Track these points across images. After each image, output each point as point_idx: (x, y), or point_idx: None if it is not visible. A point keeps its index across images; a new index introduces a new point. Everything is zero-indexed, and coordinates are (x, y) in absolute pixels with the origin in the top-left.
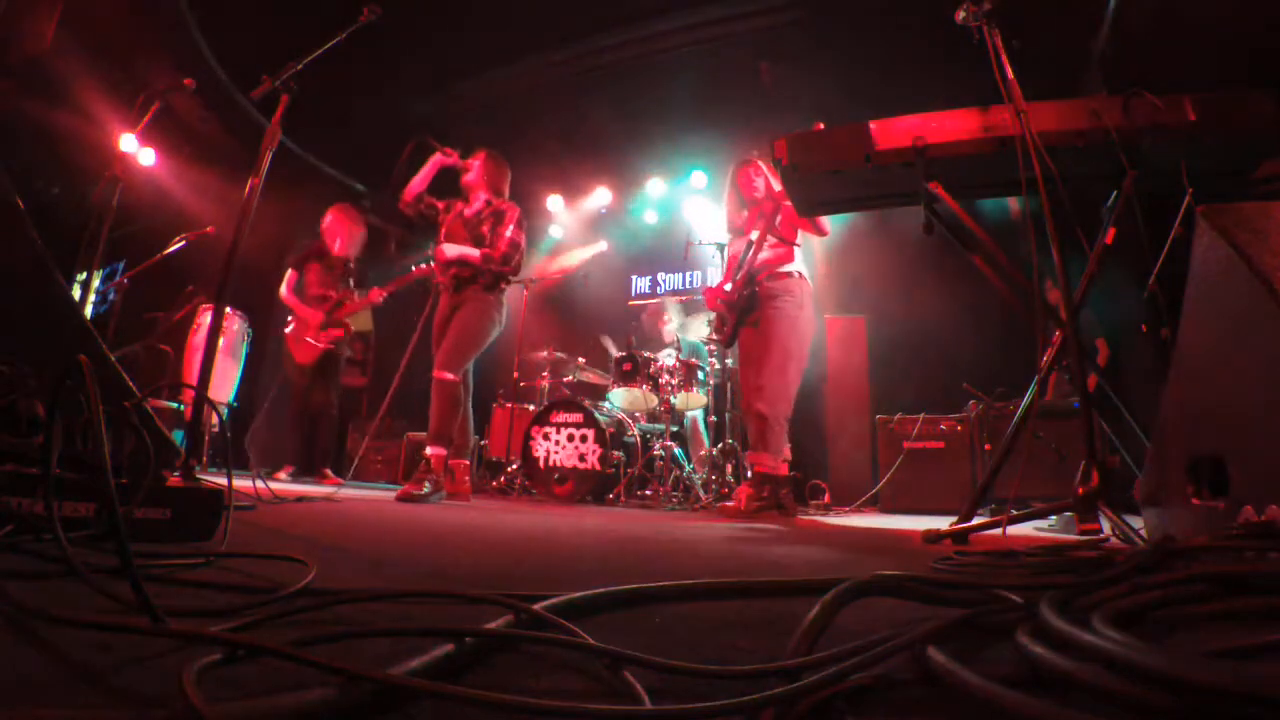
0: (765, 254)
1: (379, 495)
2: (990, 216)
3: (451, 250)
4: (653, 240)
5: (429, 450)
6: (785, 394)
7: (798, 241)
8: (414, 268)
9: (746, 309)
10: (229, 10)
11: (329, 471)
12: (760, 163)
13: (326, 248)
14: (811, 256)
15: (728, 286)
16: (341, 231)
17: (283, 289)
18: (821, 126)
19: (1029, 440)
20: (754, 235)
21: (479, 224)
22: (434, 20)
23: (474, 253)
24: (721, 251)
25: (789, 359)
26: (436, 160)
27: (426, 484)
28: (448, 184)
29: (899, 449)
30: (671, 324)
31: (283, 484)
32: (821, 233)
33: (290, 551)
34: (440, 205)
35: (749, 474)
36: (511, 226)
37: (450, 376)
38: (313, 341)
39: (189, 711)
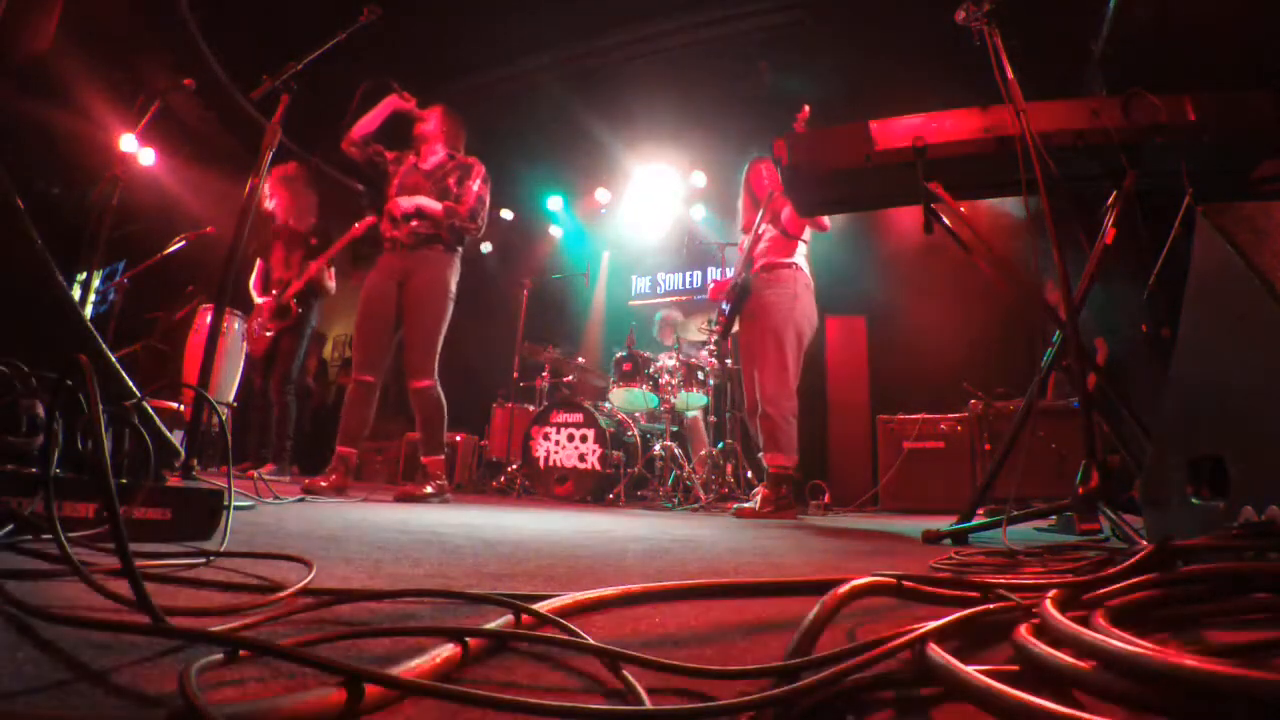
0: (765, 245)
1: (378, 495)
2: (990, 215)
3: (409, 201)
4: (653, 240)
5: (426, 459)
6: (787, 391)
7: (804, 238)
8: (354, 225)
9: (741, 300)
10: (229, 10)
11: (273, 467)
12: (770, 160)
13: (279, 224)
14: (812, 256)
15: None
16: (281, 197)
17: (250, 281)
18: (808, 111)
19: (1029, 440)
20: (763, 229)
21: (443, 176)
22: (434, 19)
23: (436, 205)
24: (723, 251)
25: (786, 354)
26: (391, 102)
27: (429, 487)
28: (395, 138)
29: (899, 449)
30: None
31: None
32: (821, 228)
33: (290, 551)
34: (389, 155)
35: (765, 475)
36: (478, 181)
37: (429, 382)
38: (260, 333)
39: (189, 711)
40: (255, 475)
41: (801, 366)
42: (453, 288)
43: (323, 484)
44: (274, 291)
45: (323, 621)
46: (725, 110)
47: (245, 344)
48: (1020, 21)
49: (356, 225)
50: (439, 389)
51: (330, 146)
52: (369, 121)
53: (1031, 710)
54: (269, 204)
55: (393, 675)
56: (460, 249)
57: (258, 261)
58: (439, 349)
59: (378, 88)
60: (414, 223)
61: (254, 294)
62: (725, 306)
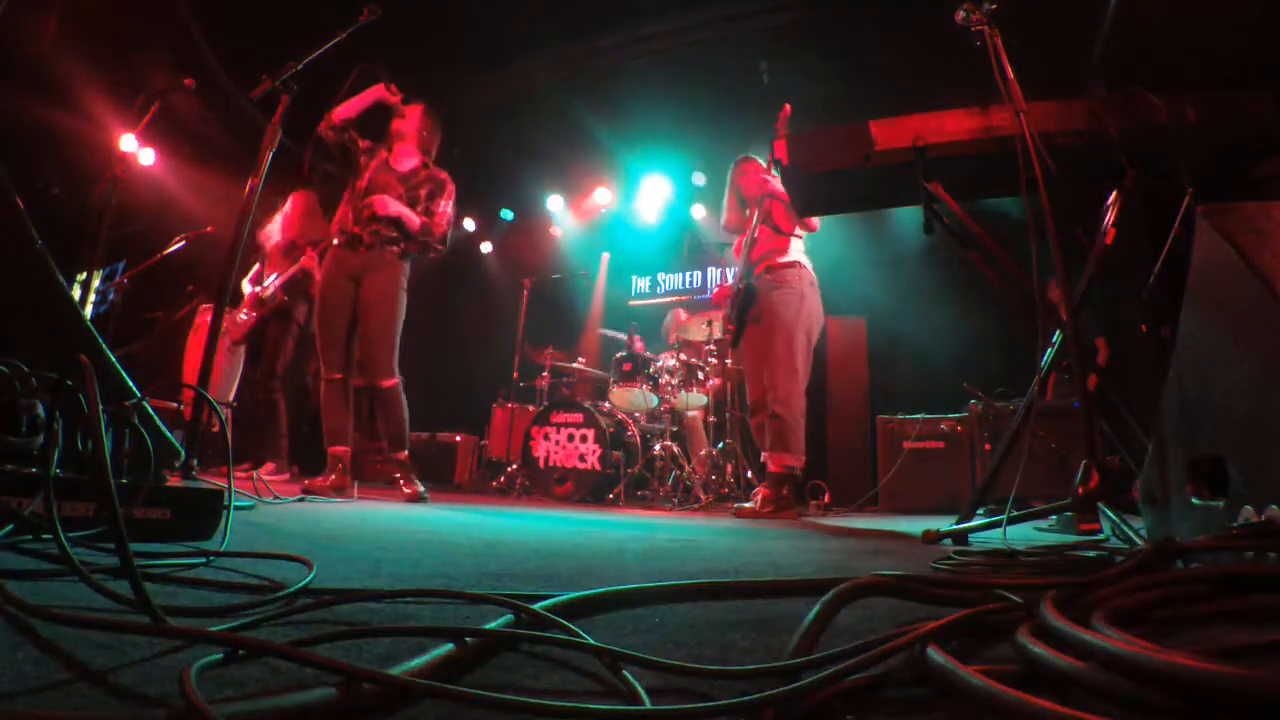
0: (763, 246)
1: (379, 496)
2: (990, 216)
3: (393, 206)
4: (653, 240)
5: (401, 454)
6: (798, 391)
7: (797, 233)
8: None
9: (747, 304)
10: (229, 10)
11: (272, 467)
12: (757, 160)
13: (284, 236)
14: (812, 255)
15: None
16: (289, 226)
17: (245, 280)
18: (789, 110)
19: (1029, 440)
20: (756, 232)
21: (417, 185)
22: (434, 19)
23: (415, 219)
24: (722, 252)
25: (796, 354)
26: (377, 91)
27: (414, 480)
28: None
29: (899, 449)
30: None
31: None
32: (809, 228)
33: (290, 551)
34: (363, 144)
35: (764, 474)
36: (450, 202)
37: (395, 380)
38: (243, 319)
39: (190, 711)
40: (255, 476)
41: (810, 366)
42: (404, 292)
43: (322, 485)
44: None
45: (323, 621)
46: (725, 110)
47: (227, 333)
48: (1020, 22)
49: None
50: (401, 387)
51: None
52: (351, 106)
53: (1031, 710)
54: (273, 226)
55: (393, 675)
56: (410, 258)
57: (256, 265)
58: (397, 346)
59: (369, 73)
60: (377, 225)
61: (246, 286)
62: (731, 314)
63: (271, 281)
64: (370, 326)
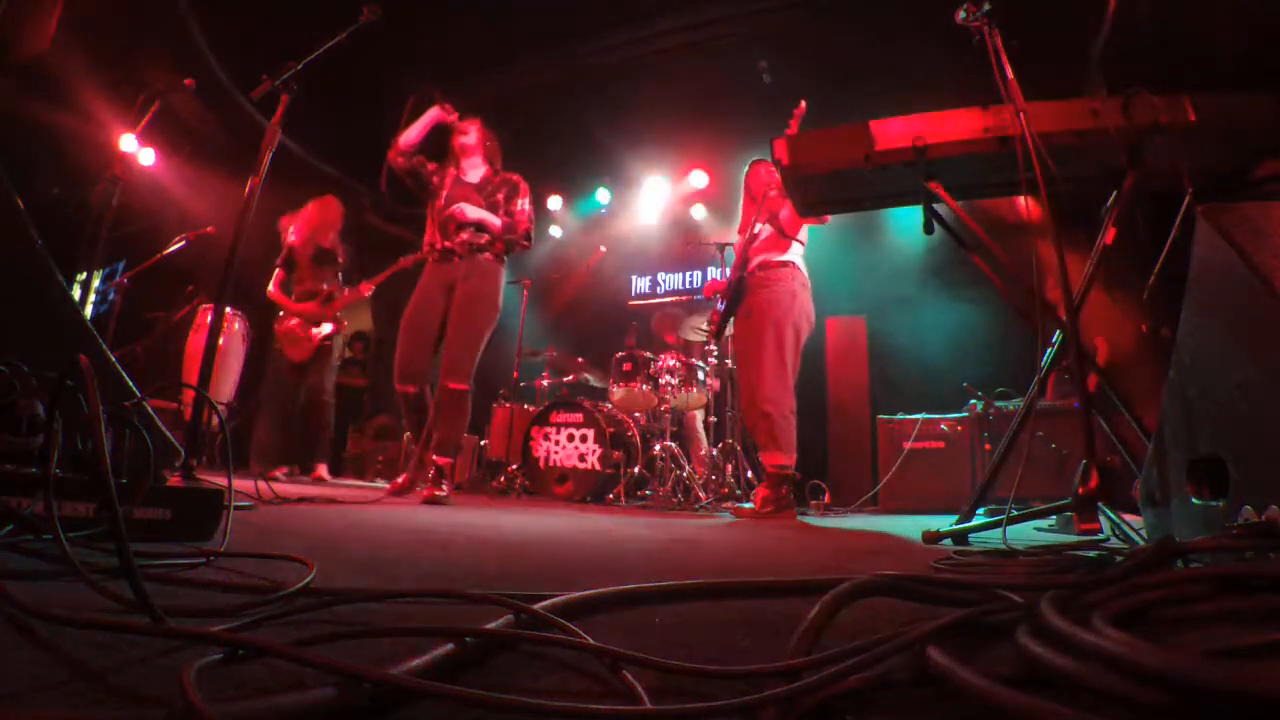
0: (760, 244)
1: (379, 495)
2: (990, 215)
3: (474, 212)
4: (653, 240)
5: (438, 458)
6: (786, 389)
7: (800, 238)
8: (400, 259)
9: (737, 298)
10: (229, 10)
11: (324, 470)
12: (769, 162)
13: (305, 241)
14: (812, 255)
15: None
16: (302, 222)
17: (270, 287)
18: (804, 107)
19: (1029, 440)
20: (759, 228)
21: (492, 191)
22: (434, 19)
23: (496, 221)
24: (723, 251)
25: (784, 352)
26: (436, 115)
27: (444, 484)
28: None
29: (899, 449)
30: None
31: (279, 484)
32: (820, 219)
33: (290, 551)
34: (431, 166)
35: (763, 474)
36: (527, 200)
37: (466, 385)
38: (304, 337)
39: (189, 711)
40: (319, 475)
41: (800, 365)
42: (500, 299)
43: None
44: (316, 301)
45: (323, 622)
46: (725, 110)
47: (283, 346)
48: (1020, 21)
49: (404, 258)
50: (470, 396)
51: (328, 142)
52: (416, 133)
53: (1032, 710)
54: (290, 237)
55: (392, 675)
56: (505, 260)
57: (277, 271)
58: (479, 354)
59: (424, 99)
60: (465, 234)
61: (282, 300)
62: (720, 305)
63: (328, 304)
64: (454, 329)
